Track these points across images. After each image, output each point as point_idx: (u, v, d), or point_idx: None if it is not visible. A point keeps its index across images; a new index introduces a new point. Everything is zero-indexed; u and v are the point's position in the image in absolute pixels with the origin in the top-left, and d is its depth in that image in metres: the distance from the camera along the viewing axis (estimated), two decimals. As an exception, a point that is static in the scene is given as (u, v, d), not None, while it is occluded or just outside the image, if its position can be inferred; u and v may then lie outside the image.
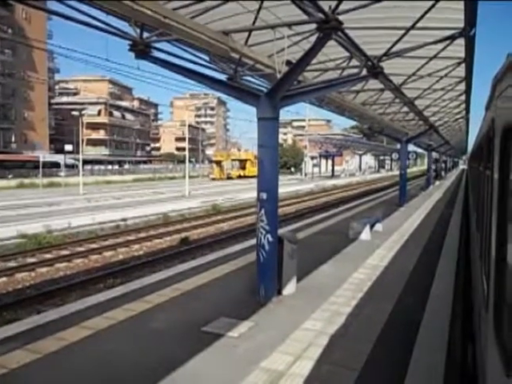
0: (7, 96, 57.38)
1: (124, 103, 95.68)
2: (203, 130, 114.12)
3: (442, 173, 54.68)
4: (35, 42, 47.90)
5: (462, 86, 12.91)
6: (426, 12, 7.02)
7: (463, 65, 10.33)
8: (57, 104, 79.43)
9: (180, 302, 7.15)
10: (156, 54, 7.64)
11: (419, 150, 40.58)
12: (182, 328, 6.03)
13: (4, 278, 11.76)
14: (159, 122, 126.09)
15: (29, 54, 58.25)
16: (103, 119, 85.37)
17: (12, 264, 13.12)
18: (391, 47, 8.49)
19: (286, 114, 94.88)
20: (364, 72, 8.98)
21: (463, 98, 15.09)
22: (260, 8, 6.83)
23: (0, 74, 54.91)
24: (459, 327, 6.64)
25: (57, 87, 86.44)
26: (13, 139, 59.14)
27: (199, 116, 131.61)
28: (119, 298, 7.25)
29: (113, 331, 5.91)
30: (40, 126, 63.44)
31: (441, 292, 7.37)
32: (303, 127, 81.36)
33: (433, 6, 6.84)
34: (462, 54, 9.49)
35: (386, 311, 6.72)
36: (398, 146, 25.38)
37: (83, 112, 48.74)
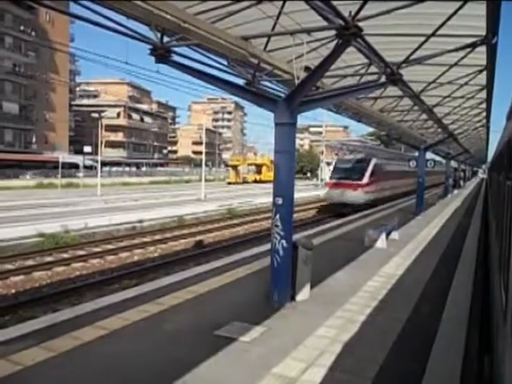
0: (29, 97, 58.51)
1: (143, 106, 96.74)
2: (220, 134, 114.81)
3: (461, 182, 53.84)
4: (58, 44, 48.83)
5: (483, 94, 12.73)
6: (448, 19, 6.95)
7: (484, 73, 10.18)
8: (77, 106, 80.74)
9: (194, 304, 7.18)
10: (175, 58, 7.72)
11: (437, 158, 39.69)
12: (195, 331, 6.05)
13: (22, 276, 11.97)
14: (177, 126, 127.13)
15: (51, 56, 59.38)
16: (122, 121, 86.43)
17: (30, 262, 13.34)
18: (411, 54, 8.42)
19: (303, 119, 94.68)
20: (383, 79, 8.93)
21: (484, 106, 14.87)
22: (280, 14, 6.86)
23: (23, 75, 56.04)
24: (476, 338, 6.52)
25: (77, 89, 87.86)
26: (33, 140, 60.24)
27: (216, 120, 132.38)
28: (134, 299, 7.31)
29: (126, 332, 5.95)
30: (60, 128, 64.52)
31: (458, 302, 7.25)
32: (320, 133, 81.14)
33: (454, 13, 6.77)
34: (484, 62, 9.36)
35: (401, 320, 6.64)
36: (416, 153, 25.13)
37: (103, 114, 49.42)
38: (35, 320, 6.32)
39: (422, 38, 7.78)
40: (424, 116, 16.89)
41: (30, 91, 58.25)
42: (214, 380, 4.73)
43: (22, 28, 54.63)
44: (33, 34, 56.47)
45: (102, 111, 51.88)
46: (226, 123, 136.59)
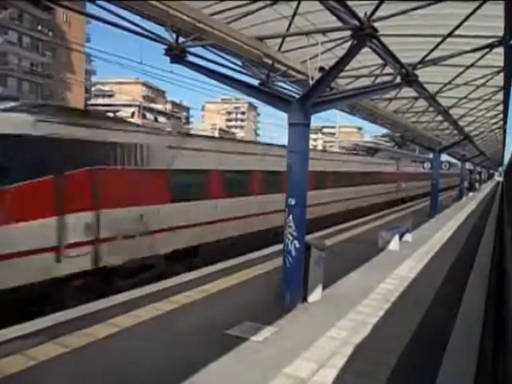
0: (46, 97, 59.23)
1: (157, 106, 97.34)
2: (233, 134, 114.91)
3: (476, 184, 53.12)
4: (74, 44, 49.42)
5: (500, 96, 12.55)
6: (465, 20, 6.88)
7: (502, 74, 10.05)
8: (92, 105, 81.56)
9: (205, 303, 7.21)
10: (190, 58, 7.77)
11: (453, 160, 38.79)
12: (206, 330, 6.07)
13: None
14: (190, 125, 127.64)
15: (68, 56, 60.09)
16: (136, 121, 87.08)
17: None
18: (427, 55, 8.35)
19: (316, 120, 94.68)
20: (398, 80, 8.86)
21: (501, 108, 14.67)
22: (294, 14, 6.85)
23: (40, 75, 56.83)
24: (490, 342, 6.44)
25: (93, 89, 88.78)
26: (49, 138, 60.88)
27: (230, 120, 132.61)
28: (146, 297, 7.37)
29: (138, 330, 6.01)
30: (76, 126, 65.12)
31: (472, 306, 7.17)
32: (334, 134, 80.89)
33: (471, 13, 6.70)
34: (501, 63, 9.23)
35: (413, 323, 6.59)
36: (431, 155, 24.89)
37: (117, 114, 49.88)
38: (50, 316, 6.39)
39: (438, 39, 7.71)
40: (439, 117, 16.72)
41: (46, 90, 59.00)
42: (225, 379, 4.74)
43: (39, 28, 55.40)
44: (50, 34, 57.21)
45: (117, 111, 52.38)
46: (239, 123, 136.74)
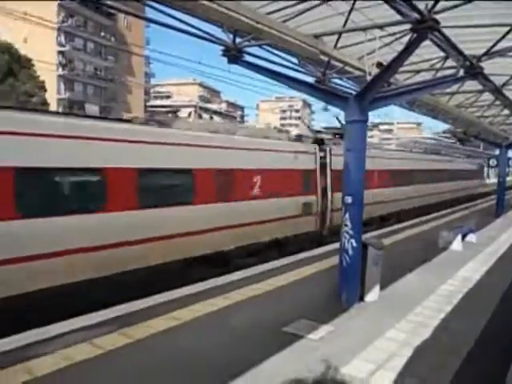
0: (108, 100, 62.09)
1: (212, 106, 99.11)
2: (287, 132, 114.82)
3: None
4: (135, 48, 51.42)
5: None
6: (535, 7, 6.48)
7: None
8: (151, 107, 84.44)
9: (260, 301, 7.28)
10: (247, 58, 7.86)
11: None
12: (262, 326, 6.13)
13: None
14: (245, 124, 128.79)
15: (128, 60, 62.62)
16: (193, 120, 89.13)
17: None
18: (493, 46, 7.93)
19: (372, 115, 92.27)
20: (461, 73, 8.48)
21: None
22: (351, 10, 6.76)
23: (103, 79, 59.63)
24: None
25: (151, 91, 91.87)
26: (112, 139, 63.61)
27: (284, 118, 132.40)
28: (203, 292, 7.57)
29: (197, 324, 6.18)
30: (136, 127, 67.60)
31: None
32: (391, 130, 78.63)
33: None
34: None
35: (478, 327, 6.30)
36: (497, 151, 23.58)
37: (176, 114, 51.17)
38: (115, 307, 6.73)
39: (506, 28, 7.30)
40: (506, 111, 15.81)
41: (109, 93, 61.81)
42: (280, 377, 4.76)
43: (102, 34, 58.11)
44: (112, 39, 59.85)
45: (176, 111, 53.80)
46: (293, 121, 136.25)
